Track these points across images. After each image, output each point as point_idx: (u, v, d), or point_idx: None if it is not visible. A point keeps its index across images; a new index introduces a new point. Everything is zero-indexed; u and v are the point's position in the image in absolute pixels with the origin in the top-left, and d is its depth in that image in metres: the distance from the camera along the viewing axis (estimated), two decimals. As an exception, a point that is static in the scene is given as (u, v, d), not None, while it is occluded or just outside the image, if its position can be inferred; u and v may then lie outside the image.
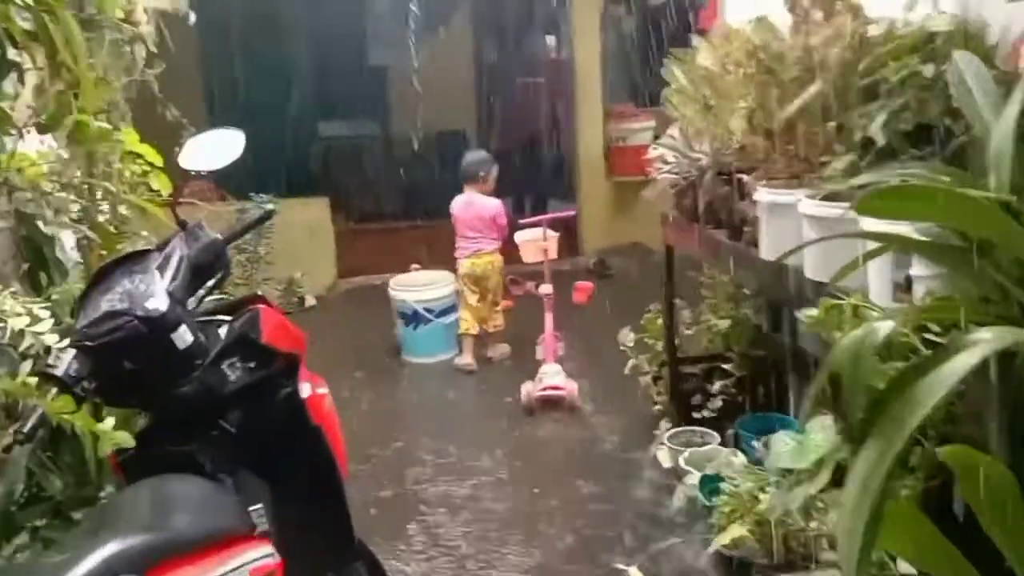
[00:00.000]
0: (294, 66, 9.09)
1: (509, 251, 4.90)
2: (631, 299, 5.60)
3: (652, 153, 3.49)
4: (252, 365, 1.92)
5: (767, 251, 2.36)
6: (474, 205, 4.98)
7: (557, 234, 4.80)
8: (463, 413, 4.43)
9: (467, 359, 4.98)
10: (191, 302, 1.95)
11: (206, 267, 2.00)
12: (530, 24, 8.03)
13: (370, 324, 5.52)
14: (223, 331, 1.97)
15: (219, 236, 2.03)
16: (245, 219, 2.10)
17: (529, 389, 4.30)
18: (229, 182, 7.72)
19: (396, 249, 6.50)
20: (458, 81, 9.53)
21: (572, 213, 5.09)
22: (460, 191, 5.06)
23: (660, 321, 3.72)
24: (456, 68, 9.54)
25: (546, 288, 4.60)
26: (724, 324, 3.55)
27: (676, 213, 3.24)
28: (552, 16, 7.57)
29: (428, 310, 5.05)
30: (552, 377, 4.34)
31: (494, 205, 4.98)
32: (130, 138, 2.76)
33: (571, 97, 6.82)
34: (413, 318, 5.06)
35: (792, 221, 2.23)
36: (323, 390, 2.11)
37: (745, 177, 2.46)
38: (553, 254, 4.76)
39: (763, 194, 2.31)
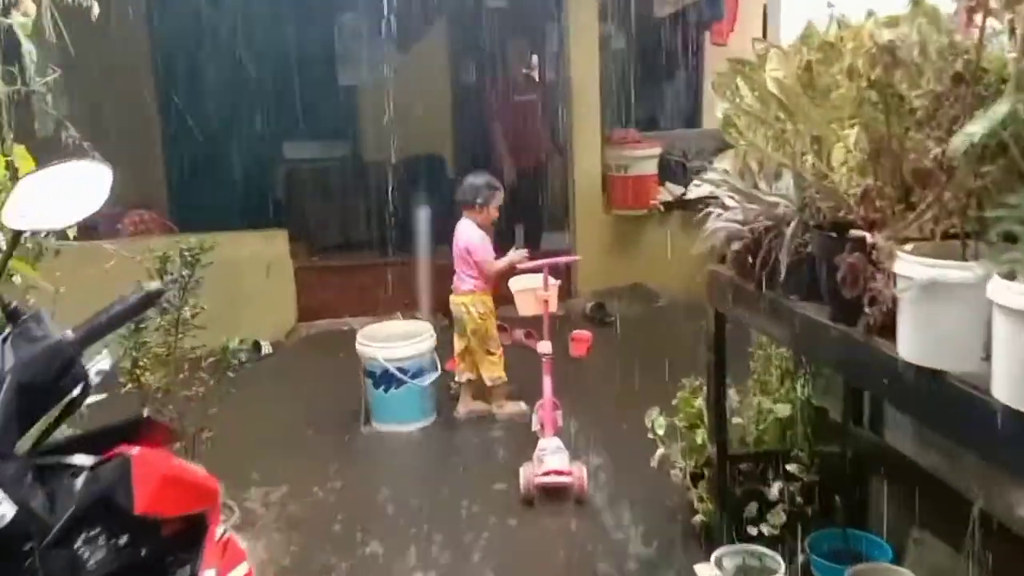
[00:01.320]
0: (257, 83, 8.31)
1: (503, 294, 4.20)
2: (637, 352, 4.88)
3: (696, 190, 2.71)
4: (123, 541, 1.25)
5: (910, 349, 1.59)
6: (457, 233, 4.34)
7: (558, 282, 4.03)
8: (443, 503, 3.58)
9: (459, 407, 4.38)
10: (22, 442, 1.22)
11: (45, 387, 1.24)
12: (516, 41, 7.33)
13: (333, 379, 4.69)
14: (82, 482, 1.25)
15: (69, 334, 1.27)
16: (124, 301, 1.31)
17: (528, 474, 3.49)
18: (178, 212, 7.02)
19: (364, 288, 5.71)
20: (436, 102, 8.80)
21: (575, 258, 4.32)
22: (440, 221, 4.33)
23: (698, 402, 2.94)
24: (434, 87, 8.80)
25: (545, 347, 3.82)
26: (783, 410, 2.79)
27: (733, 273, 2.46)
28: (542, 31, 6.86)
29: (402, 370, 4.22)
30: (554, 457, 3.54)
31: (468, 237, 4.26)
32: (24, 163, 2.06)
33: (565, 121, 6.08)
34: (384, 379, 4.23)
35: (960, 308, 1.48)
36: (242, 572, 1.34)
37: (872, 237, 1.69)
38: (554, 306, 3.99)
39: (912, 265, 1.54)
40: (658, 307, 5.98)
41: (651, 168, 5.95)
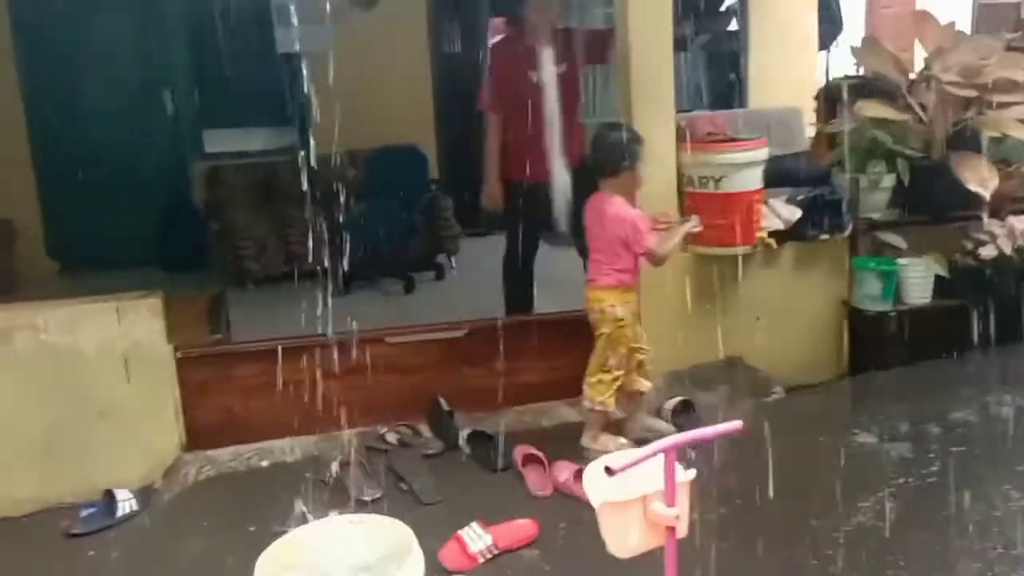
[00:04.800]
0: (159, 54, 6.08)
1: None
2: (781, 503, 2.84)
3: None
4: None
5: None
6: (597, 210, 3.34)
7: (692, 475, 1.82)
8: None
9: (583, 437, 3.46)
10: None
11: None
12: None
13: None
14: None
15: None
16: None
17: None
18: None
19: (306, 383, 3.45)
20: (412, 74, 6.59)
21: (737, 426, 2.03)
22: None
23: None
24: (409, 55, 6.59)
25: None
26: None
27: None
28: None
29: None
30: None
31: (618, 211, 3.27)
32: None
33: (619, 106, 3.81)
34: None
35: None
36: None
37: None
38: (684, 531, 1.79)
39: None
40: (775, 403, 3.78)
41: (754, 180, 3.72)
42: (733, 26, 7.18)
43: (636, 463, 1.69)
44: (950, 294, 3.96)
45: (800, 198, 3.93)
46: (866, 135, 3.87)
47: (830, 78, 9.59)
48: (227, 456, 3.41)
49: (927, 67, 3.93)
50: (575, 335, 3.79)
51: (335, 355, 3.46)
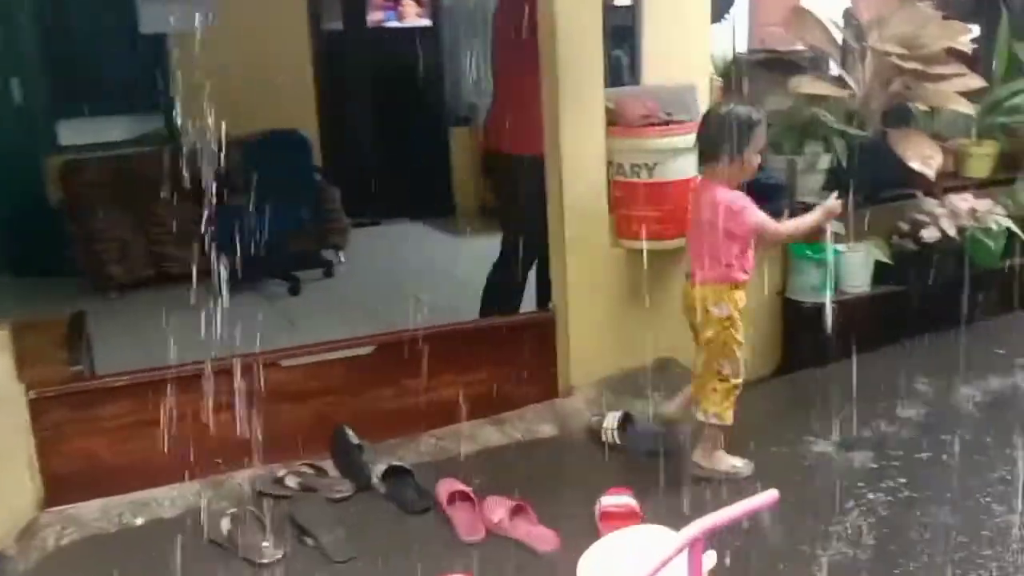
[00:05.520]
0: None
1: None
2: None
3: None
4: None
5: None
6: (695, 199, 2.99)
7: (713, 562, 1.42)
8: None
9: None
10: None
11: None
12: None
13: None
14: None
15: None
16: None
17: None
18: None
19: (181, 419, 2.89)
20: (291, 50, 5.98)
21: (773, 497, 1.64)
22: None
23: None
24: (286, 28, 5.97)
25: None
26: None
27: None
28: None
29: None
30: None
31: (730, 199, 2.81)
32: None
33: (544, 89, 3.36)
34: None
35: None
36: None
37: None
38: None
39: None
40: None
41: (690, 167, 3.35)
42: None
43: (662, 567, 1.27)
44: (891, 280, 3.72)
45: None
46: (803, 113, 3.56)
47: (726, 52, 9.43)
48: (93, 513, 2.82)
49: (861, 37, 3.65)
50: (497, 343, 3.37)
51: (219, 384, 2.93)
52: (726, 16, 7.31)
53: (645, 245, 3.38)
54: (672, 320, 3.56)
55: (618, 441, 3.16)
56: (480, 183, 6.63)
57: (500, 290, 3.78)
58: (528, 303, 3.83)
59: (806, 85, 3.52)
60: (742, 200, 2.82)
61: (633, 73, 6.44)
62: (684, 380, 3.53)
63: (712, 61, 7.49)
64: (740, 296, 2.89)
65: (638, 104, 3.32)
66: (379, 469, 2.98)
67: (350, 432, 3.13)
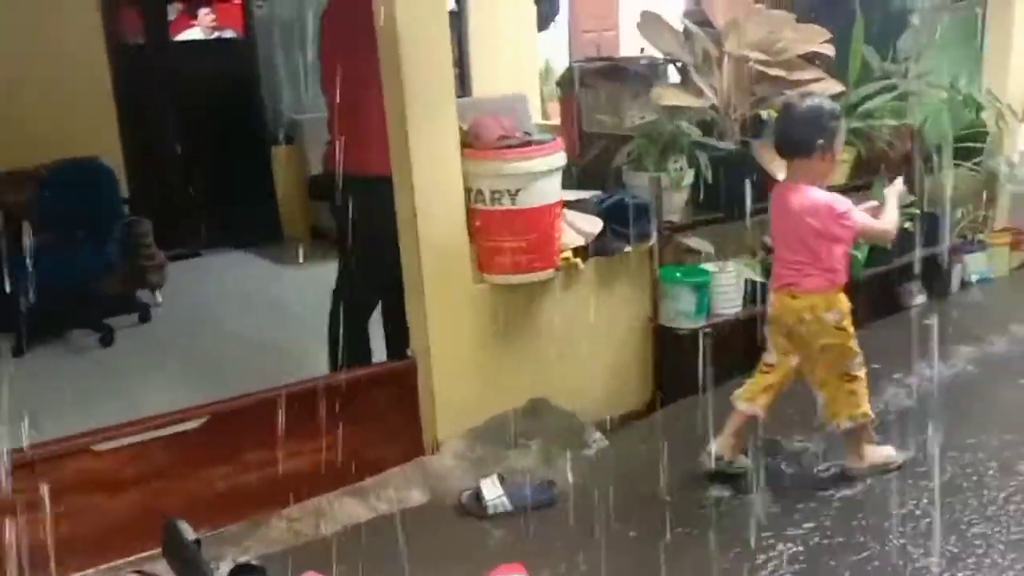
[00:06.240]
0: None
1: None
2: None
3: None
4: None
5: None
6: (782, 203, 2.74)
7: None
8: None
9: (715, 444, 2.83)
10: None
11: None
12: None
13: None
14: None
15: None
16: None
17: None
18: None
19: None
20: (86, 68, 5.26)
21: None
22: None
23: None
24: (80, 43, 5.25)
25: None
26: None
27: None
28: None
29: None
30: None
31: (815, 200, 2.66)
32: None
33: (389, 99, 2.94)
34: None
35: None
36: None
37: None
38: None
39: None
40: (599, 455, 3.15)
41: (553, 191, 3.06)
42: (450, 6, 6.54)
43: None
44: (764, 297, 3.56)
45: (598, 201, 3.33)
46: (665, 127, 3.34)
47: (552, 60, 9.32)
48: None
49: (717, 43, 3.48)
50: (351, 399, 2.94)
51: (15, 480, 2.37)
52: (553, 23, 7.16)
53: (511, 279, 3.06)
54: (544, 358, 3.28)
55: (500, 509, 2.80)
56: (309, 206, 6.12)
57: (347, 336, 3.34)
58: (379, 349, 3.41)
59: (668, 96, 3.30)
60: (844, 200, 2.69)
61: (463, 85, 6.17)
62: (560, 421, 3.26)
63: (548, 70, 7.37)
64: (844, 298, 2.78)
65: (494, 124, 2.98)
66: (223, 570, 2.48)
67: (184, 526, 2.60)
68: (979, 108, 4.58)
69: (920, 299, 4.31)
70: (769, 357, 2.88)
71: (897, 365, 3.60)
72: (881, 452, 2.90)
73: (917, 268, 4.16)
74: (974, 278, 4.57)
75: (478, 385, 3.15)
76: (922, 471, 2.93)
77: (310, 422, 2.87)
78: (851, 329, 2.79)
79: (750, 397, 2.86)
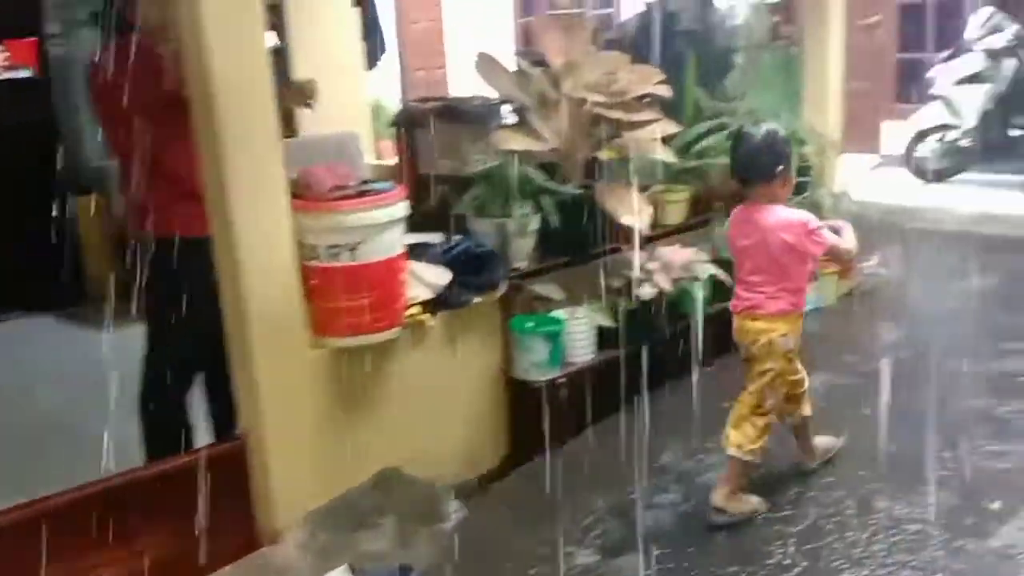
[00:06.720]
0: None
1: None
2: None
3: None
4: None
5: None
6: (750, 223, 2.78)
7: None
8: None
9: (716, 495, 2.82)
10: None
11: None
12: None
13: None
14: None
15: None
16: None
17: None
18: None
19: None
20: None
21: None
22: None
23: None
24: None
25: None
26: None
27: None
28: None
29: None
30: None
31: (788, 218, 2.73)
32: None
33: (204, 147, 2.60)
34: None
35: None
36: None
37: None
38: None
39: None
40: (458, 528, 2.90)
41: (396, 242, 2.82)
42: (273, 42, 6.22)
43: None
44: (613, 342, 3.46)
45: (444, 250, 3.12)
46: (509, 171, 3.18)
47: (383, 99, 9.08)
48: None
49: (555, 85, 3.36)
50: (172, 493, 2.56)
51: None
52: (379, 62, 6.96)
53: (353, 341, 2.78)
54: (393, 423, 3.02)
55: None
56: (117, 263, 5.55)
57: (161, 416, 2.94)
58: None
59: (511, 140, 3.14)
60: (814, 217, 2.76)
61: (288, 124, 5.85)
62: (414, 493, 2.99)
63: (379, 107, 7.14)
64: (801, 325, 2.84)
65: (327, 173, 2.71)
66: None
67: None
68: (802, 143, 4.73)
69: (759, 332, 4.36)
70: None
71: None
72: (751, 502, 2.86)
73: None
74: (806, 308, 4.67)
75: (321, 461, 2.84)
76: (784, 515, 2.88)
77: (125, 525, 2.47)
78: (797, 362, 2.86)
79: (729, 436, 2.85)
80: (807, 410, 3.01)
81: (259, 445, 2.72)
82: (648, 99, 3.54)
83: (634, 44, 4.18)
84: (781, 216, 2.74)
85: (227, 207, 2.57)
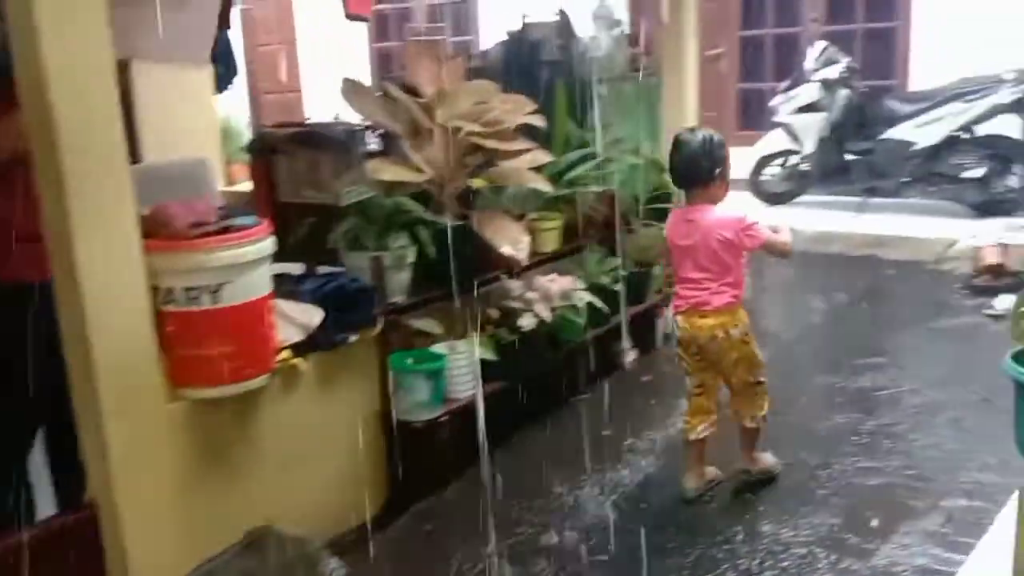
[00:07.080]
0: None
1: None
2: None
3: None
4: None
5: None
6: (689, 224, 2.95)
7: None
8: None
9: (689, 479, 3.10)
10: None
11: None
12: None
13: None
14: None
15: None
16: None
17: None
18: None
19: None
20: None
21: None
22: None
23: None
24: None
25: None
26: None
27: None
28: None
29: None
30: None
31: (724, 217, 2.92)
32: None
33: (43, 185, 2.30)
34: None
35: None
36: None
37: None
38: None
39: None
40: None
41: (263, 282, 2.60)
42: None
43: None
44: (496, 374, 3.34)
45: (315, 287, 2.91)
46: (384, 203, 3.02)
47: (239, 123, 8.67)
48: None
49: (427, 113, 3.24)
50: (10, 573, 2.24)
51: None
52: (230, 85, 6.64)
53: (216, 392, 2.54)
54: (264, 477, 2.77)
55: None
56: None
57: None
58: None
59: (385, 171, 2.99)
60: (748, 215, 2.92)
61: (133, 151, 5.45)
62: (288, 552, 2.74)
63: (229, 130, 6.80)
64: (744, 313, 3.01)
65: (184, 209, 2.46)
66: None
67: None
68: (662, 170, 4.79)
69: (632, 356, 4.36)
70: (694, 380, 3.06)
71: (627, 431, 3.56)
72: (770, 456, 3.19)
73: (626, 327, 4.20)
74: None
75: (184, 525, 2.55)
76: (673, 547, 2.84)
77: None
78: (753, 341, 3.04)
79: (696, 424, 3.06)
80: (764, 407, 3.15)
81: (110, 513, 2.42)
82: (518, 128, 3.48)
83: (499, 73, 4.10)
84: (719, 215, 2.92)
85: (69, 247, 2.28)
